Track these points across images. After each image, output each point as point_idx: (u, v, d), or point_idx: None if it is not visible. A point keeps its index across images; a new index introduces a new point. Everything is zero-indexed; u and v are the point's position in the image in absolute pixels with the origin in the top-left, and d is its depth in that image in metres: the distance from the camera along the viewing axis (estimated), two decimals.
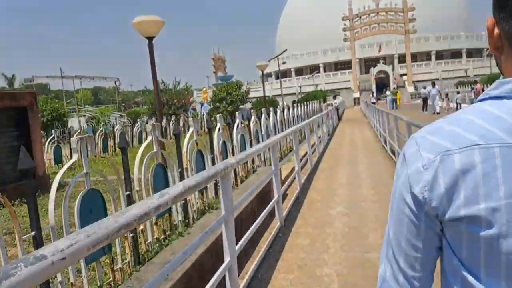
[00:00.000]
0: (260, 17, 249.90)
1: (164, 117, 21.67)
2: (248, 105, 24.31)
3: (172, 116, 22.16)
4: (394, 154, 9.59)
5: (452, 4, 74.08)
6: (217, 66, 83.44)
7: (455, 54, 71.50)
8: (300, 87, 56.61)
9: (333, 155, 11.42)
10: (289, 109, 14.03)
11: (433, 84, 20.36)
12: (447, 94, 22.60)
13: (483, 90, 2.60)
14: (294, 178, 7.15)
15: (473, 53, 73.26)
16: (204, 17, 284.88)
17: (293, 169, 7.84)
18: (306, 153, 9.42)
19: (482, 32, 76.73)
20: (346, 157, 10.81)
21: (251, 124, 8.07)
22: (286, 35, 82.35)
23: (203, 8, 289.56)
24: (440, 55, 70.34)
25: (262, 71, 19.17)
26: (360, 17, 58.54)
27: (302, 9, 78.96)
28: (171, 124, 21.42)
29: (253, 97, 49.64)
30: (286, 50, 32.12)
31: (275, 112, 11.00)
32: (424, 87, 27.41)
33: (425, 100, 26.98)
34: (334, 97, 28.87)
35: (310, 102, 19.99)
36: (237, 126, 6.84)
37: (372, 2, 59.38)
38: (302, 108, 16.24)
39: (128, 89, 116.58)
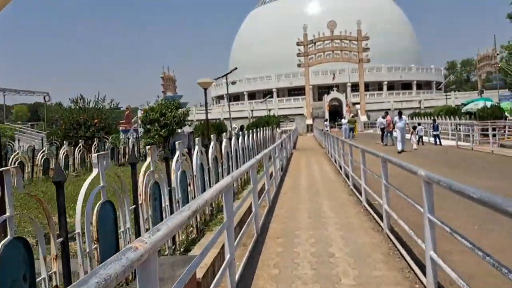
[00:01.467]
0: (216, 39, 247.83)
1: (80, 140, 17.58)
2: (187, 129, 20.80)
3: (95, 139, 18.13)
4: (360, 193, 6.42)
5: (404, 37, 75.54)
6: (167, 85, 79.37)
7: (406, 86, 72.43)
8: (252, 111, 53.81)
9: (288, 208, 8.06)
10: (238, 137, 10.73)
11: (400, 114, 17.50)
12: (414, 127, 20.19)
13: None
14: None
15: (422, 85, 74.67)
16: (156, 35, 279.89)
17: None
18: (251, 205, 5.99)
19: (432, 65, 78.86)
20: (306, 212, 7.49)
21: (194, 156, 6.10)
22: (239, 57, 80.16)
23: (157, 25, 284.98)
24: (391, 86, 70.82)
25: (205, 89, 15.84)
26: (315, 43, 57.36)
27: (256, 32, 77.39)
28: (93, 148, 17.42)
29: (199, 120, 46.25)
30: (236, 68, 29.10)
31: (219, 142, 7.62)
32: (383, 117, 25.26)
33: (383, 130, 24.77)
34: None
35: (262, 128, 16.92)
36: (177, 160, 5.35)
37: (327, 28, 58.58)
38: (253, 136, 12.97)
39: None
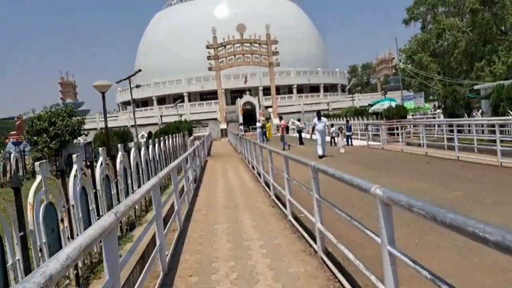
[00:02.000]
0: (122, 43, 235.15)
1: None
2: (83, 139, 18.41)
3: None
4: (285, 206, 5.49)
5: (310, 42, 78.42)
6: (66, 92, 73.07)
7: (314, 89, 75.23)
8: (161, 116, 51.40)
9: (203, 230, 6.83)
10: (149, 146, 9.20)
11: (319, 116, 16.41)
12: (341, 129, 19.81)
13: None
14: None
15: (328, 88, 78.18)
16: (56, 40, 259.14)
17: None
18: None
19: (337, 69, 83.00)
20: (224, 234, 6.31)
21: (97, 171, 5.48)
22: (146, 61, 76.61)
23: (59, 28, 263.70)
24: (300, 89, 73.01)
25: (103, 93, 13.86)
26: (225, 46, 56.74)
27: (163, 35, 74.69)
28: None
29: (99, 128, 42.82)
30: (140, 70, 26.91)
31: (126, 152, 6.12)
32: (299, 119, 25.21)
33: (299, 132, 24.68)
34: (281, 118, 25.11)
35: (172, 134, 15.42)
36: (75, 175, 4.70)
37: (237, 32, 58.33)
38: (160, 145, 11.48)
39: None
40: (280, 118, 25.11)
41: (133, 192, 6.12)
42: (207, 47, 56.18)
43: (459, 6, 43.18)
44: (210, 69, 56.82)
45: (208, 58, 56.49)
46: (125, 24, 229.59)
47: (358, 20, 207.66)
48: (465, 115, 17.28)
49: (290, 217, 6.69)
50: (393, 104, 25.39)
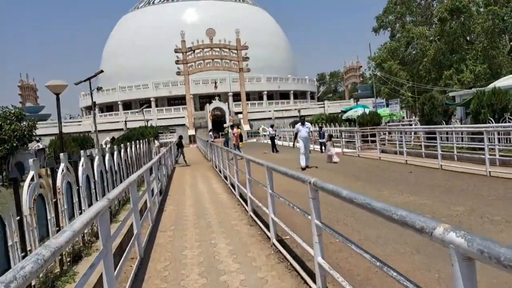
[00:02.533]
0: (87, 46, 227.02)
1: None
2: (34, 145, 16.65)
3: None
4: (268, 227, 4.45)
5: (280, 49, 78.20)
6: (26, 95, 69.24)
7: (284, 95, 74.90)
8: (126, 122, 49.32)
9: (169, 259, 5.64)
10: (113, 153, 7.91)
11: (303, 121, 14.35)
12: (331, 136, 18.54)
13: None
14: None
15: (298, 95, 78.10)
16: (17, 41, 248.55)
17: None
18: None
19: (306, 76, 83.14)
20: (196, 266, 5.12)
21: (59, 178, 4.97)
22: (111, 65, 74.06)
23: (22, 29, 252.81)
24: (270, 96, 72.47)
25: (57, 94, 12.34)
26: (194, 51, 55.41)
27: (130, 38, 72.41)
28: None
29: (68, 133, 40.21)
30: (102, 71, 25.17)
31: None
32: (272, 126, 24.30)
33: (272, 139, 23.72)
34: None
35: (136, 141, 14.01)
36: (29, 185, 4.33)
37: (206, 36, 57.15)
38: (120, 153, 10.16)
39: None
40: (232, 127, 24.04)
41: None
42: (176, 51, 54.67)
43: (426, 15, 43.86)
44: (178, 73, 55.27)
45: (177, 62, 54.97)
46: (91, 28, 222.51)
47: (326, 28, 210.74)
48: (443, 122, 16.84)
49: (274, 240, 5.61)
50: (367, 111, 24.91)
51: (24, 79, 72.08)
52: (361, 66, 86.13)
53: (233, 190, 10.66)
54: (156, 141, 18.54)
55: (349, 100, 67.86)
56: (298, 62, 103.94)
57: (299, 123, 14.78)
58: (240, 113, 59.63)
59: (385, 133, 20.83)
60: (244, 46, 56.22)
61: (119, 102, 69.18)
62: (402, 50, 40.58)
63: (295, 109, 63.43)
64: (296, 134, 14.54)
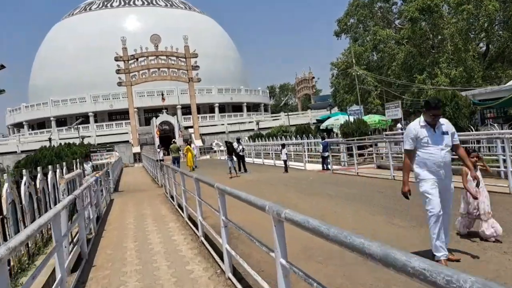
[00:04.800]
0: (16, 56, 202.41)
1: None
2: None
3: None
4: None
5: (230, 60, 74.01)
6: None
7: (236, 108, 70.46)
8: (50, 139, 42.20)
9: None
10: None
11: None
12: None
13: None
14: None
15: (251, 108, 74.03)
16: None
17: None
18: None
19: (259, 87, 79.49)
20: None
21: None
22: (43, 78, 66.02)
23: None
24: (222, 108, 67.74)
25: None
26: (137, 59, 49.58)
27: (64, 48, 64.88)
28: None
29: None
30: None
31: None
32: (238, 139, 19.62)
33: (242, 158, 18.97)
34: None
35: (48, 166, 8.77)
36: None
37: (150, 43, 51.60)
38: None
39: None
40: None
41: None
42: (116, 59, 48.58)
43: (387, 19, 41.53)
44: (120, 84, 49.10)
45: (117, 72, 48.84)
46: (19, 37, 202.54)
47: (275, 41, 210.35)
48: (470, 127, 13.06)
49: None
50: (350, 118, 20.99)
51: None
52: (313, 77, 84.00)
53: (205, 242, 5.88)
54: (86, 164, 13.15)
55: (305, 112, 64.65)
56: (249, 74, 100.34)
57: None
58: (191, 127, 54.32)
59: (386, 144, 16.87)
60: (193, 53, 51.28)
61: (51, 118, 61.17)
62: (368, 54, 37.69)
63: (250, 122, 59.17)
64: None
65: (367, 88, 35.91)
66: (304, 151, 19.13)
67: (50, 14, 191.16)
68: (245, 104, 70.40)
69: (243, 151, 19.00)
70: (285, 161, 17.62)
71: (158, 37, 54.75)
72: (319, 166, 18.79)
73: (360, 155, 18.87)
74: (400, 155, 16.38)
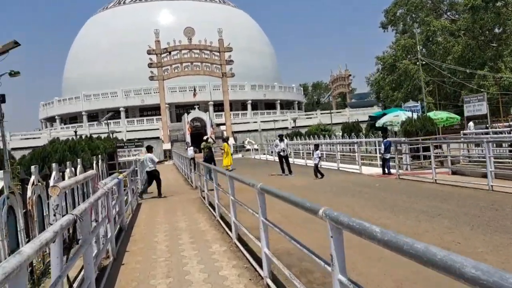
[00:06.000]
0: (49, 51, 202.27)
1: None
2: None
3: None
4: None
5: (264, 55, 71.56)
6: None
7: (269, 105, 68.00)
8: (76, 132, 40.77)
9: None
10: None
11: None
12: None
13: None
14: None
15: (284, 105, 71.36)
16: None
17: None
18: None
19: (293, 84, 76.75)
20: None
21: None
22: (77, 72, 65.68)
23: None
24: (254, 105, 65.42)
25: None
26: (170, 53, 47.97)
27: (96, 42, 64.25)
28: None
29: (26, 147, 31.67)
30: (17, 43, 16.77)
31: None
32: (281, 137, 17.21)
33: (285, 158, 16.50)
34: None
35: (61, 163, 6.67)
36: None
37: (184, 36, 49.88)
38: None
39: None
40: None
41: None
42: (149, 52, 47.14)
43: (439, 10, 38.05)
44: (152, 78, 47.63)
45: (150, 65, 47.39)
46: (54, 31, 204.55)
47: (307, 38, 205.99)
48: None
49: None
50: (411, 115, 18.18)
51: None
52: (350, 75, 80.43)
53: (265, 278, 3.48)
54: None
55: (343, 110, 61.42)
56: (282, 71, 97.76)
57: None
58: (223, 124, 52.31)
59: (466, 145, 14.07)
60: (227, 47, 49.22)
61: (83, 113, 60.58)
62: (419, 47, 34.33)
63: (284, 120, 56.54)
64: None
65: (417, 85, 32.68)
66: (359, 152, 16.45)
67: (85, 8, 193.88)
68: (279, 101, 67.84)
69: (284, 151, 16.51)
70: (316, 165, 14.92)
71: (192, 30, 53.07)
72: (377, 170, 16.13)
73: (424, 157, 16.12)
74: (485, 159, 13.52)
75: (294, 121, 47.22)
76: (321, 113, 60.91)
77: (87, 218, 4.24)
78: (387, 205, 8.64)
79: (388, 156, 14.54)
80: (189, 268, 5.43)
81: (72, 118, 63.86)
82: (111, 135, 34.39)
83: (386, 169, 14.57)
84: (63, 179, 6.34)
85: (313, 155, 15.93)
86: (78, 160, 7.38)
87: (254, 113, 62.99)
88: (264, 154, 31.49)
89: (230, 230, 6.94)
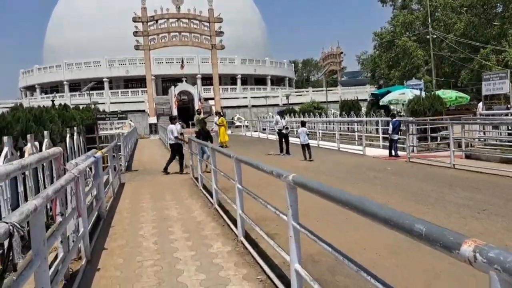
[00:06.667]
0: (27, 16, 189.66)
1: None
2: None
3: None
4: None
5: (254, 28, 69.06)
6: None
7: (259, 81, 66.17)
8: (53, 102, 38.61)
9: None
10: None
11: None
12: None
13: None
14: None
15: (274, 81, 69.61)
16: None
17: None
18: None
19: (284, 60, 74.80)
20: None
21: None
22: (58, 39, 62.41)
23: None
24: (244, 80, 63.53)
25: None
26: (157, 21, 45.52)
27: (79, 8, 60.88)
28: None
29: None
30: None
31: None
32: (282, 113, 15.85)
33: (285, 137, 15.12)
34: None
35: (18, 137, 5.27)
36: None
37: (172, 4, 47.31)
38: None
39: None
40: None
41: None
42: (134, 20, 44.64)
43: None
44: (137, 47, 45.26)
45: (135, 34, 44.95)
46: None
47: (298, 14, 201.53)
48: None
49: None
50: (418, 93, 16.96)
51: None
52: (341, 52, 78.62)
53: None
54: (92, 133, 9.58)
55: (334, 88, 59.94)
56: (273, 45, 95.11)
57: None
58: (211, 99, 50.49)
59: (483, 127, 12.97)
60: (218, 18, 46.98)
61: (64, 82, 57.86)
62: (419, 24, 32.95)
63: (275, 96, 54.99)
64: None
65: (415, 62, 31.43)
66: (364, 133, 15.24)
67: None
68: (269, 77, 66.03)
69: (287, 128, 15.15)
70: (306, 145, 13.50)
71: None
72: (381, 151, 14.99)
73: (431, 139, 15.02)
74: (505, 143, 12.44)
75: (287, 97, 45.67)
76: (313, 91, 59.48)
77: (39, 220, 2.87)
78: (417, 196, 7.43)
79: (396, 137, 13.36)
80: (186, 278, 4.13)
81: (53, 88, 61.02)
82: (92, 106, 32.45)
83: (393, 151, 13.41)
84: (22, 157, 4.90)
85: (298, 133, 14.48)
86: (45, 132, 5.95)
87: (243, 88, 61.20)
88: (256, 131, 30.07)
89: (234, 224, 5.65)
